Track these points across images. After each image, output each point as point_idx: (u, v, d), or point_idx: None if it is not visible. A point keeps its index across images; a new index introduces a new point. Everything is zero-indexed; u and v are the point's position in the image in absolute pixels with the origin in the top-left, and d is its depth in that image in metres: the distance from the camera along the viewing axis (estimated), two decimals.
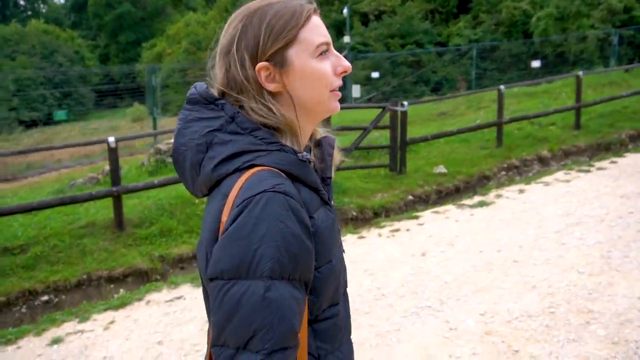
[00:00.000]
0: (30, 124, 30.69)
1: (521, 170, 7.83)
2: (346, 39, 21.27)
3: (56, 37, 36.51)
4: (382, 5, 27.47)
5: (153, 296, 4.24)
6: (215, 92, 0.94)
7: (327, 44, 0.93)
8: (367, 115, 9.87)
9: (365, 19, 27.81)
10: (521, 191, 6.15)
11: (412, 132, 10.43)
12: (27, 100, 31.57)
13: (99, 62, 46.34)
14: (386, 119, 7.39)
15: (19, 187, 10.47)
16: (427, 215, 5.68)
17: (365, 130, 7.14)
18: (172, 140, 9.13)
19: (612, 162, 7.03)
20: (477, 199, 6.06)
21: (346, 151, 7.30)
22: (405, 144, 7.38)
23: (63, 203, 5.46)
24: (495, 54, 24.16)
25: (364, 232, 5.28)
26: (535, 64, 18.53)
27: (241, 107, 0.91)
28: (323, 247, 0.89)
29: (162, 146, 9.06)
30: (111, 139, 5.50)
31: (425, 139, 7.84)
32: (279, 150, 0.88)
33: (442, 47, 25.54)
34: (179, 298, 4.15)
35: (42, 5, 57.45)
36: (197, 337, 3.46)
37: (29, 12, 55.25)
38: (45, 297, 4.82)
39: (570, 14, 21.78)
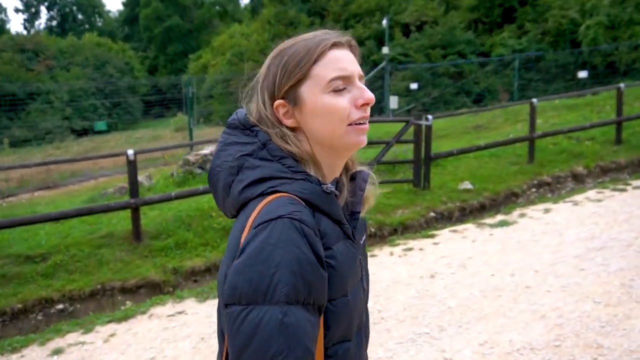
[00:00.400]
0: (82, 133, 32.11)
1: (553, 188, 7.48)
2: (385, 50, 21.14)
3: (108, 49, 38.12)
4: (425, 15, 27.19)
5: (157, 310, 4.27)
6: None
7: (342, 77, 0.93)
8: (398, 128, 9.72)
9: (406, 30, 27.60)
10: (547, 210, 5.86)
11: (445, 145, 10.22)
12: (79, 110, 33.07)
13: (148, 73, 48.05)
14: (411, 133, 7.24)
15: (58, 194, 10.92)
16: (444, 234, 5.49)
17: (388, 145, 7.01)
18: (201, 152, 9.29)
19: None
20: (499, 217, 5.82)
21: (369, 165, 7.18)
22: (429, 159, 7.19)
23: (80, 214, 5.61)
24: (540, 65, 23.41)
25: (376, 251, 5.16)
26: (582, 74, 17.79)
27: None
28: (340, 280, 0.90)
29: (191, 157, 9.22)
30: (130, 152, 5.61)
31: (450, 154, 7.62)
32: (304, 179, 0.91)
33: (484, 57, 24.98)
34: (180, 313, 4.16)
35: (98, 19, 60.27)
36: (189, 355, 3.45)
37: (86, 26, 58.07)
38: (61, 306, 4.95)
39: (621, 22, 20.92)
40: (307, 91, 0.93)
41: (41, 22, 57.34)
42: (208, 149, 9.36)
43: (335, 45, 0.95)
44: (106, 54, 36.95)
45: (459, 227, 5.67)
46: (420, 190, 7.22)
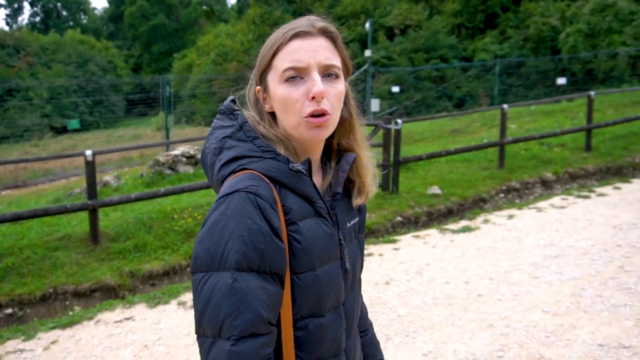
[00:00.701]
0: (61, 131, 31.62)
1: (522, 194, 7.49)
2: (367, 52, 21.13)
3: (91, 47, 37.66)
4: (409, 19, 27.28)
5: (105, 315, 4.16)
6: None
7: (294, 68, 0.95)
8: (369, 131, 9.67)
9: (390, 33, 27.66)
10: (510, 217, 5.85)
11: (419, 149, 10.20)
12: (59, 108, 32.58)
13: (132, 72, 47.57)
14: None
15: (26, 193, 10.69)
16: (406, 239, 5.45)
17: None
18: (172, 152, 9.15)
19: (616, 187, 6.65)
20: (462, 223, 5.80)
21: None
22: (398, 163, 7.16)
23: (35, 215, 5.46)
24: (521, 70, 23.60)
25: None
26: (561, 81, 17.92)
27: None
28: (306, 254, 0.94)
29: (161, 158, 9.09)
30: (88, 152, 5.49)
31: (419, 159, 7.59)
32: (272, 158, 0.96)
33: (467, 62, 25.12)
34: (128, 319, 4.05)
35: (83, 16, 59.52)
36: None
37: (70, 23, 57.33)
38: (9, 310, 4.80)
39: (601, 31, 21.14)
40: (271, 80, 0.98)
41: (24, 17, 56.18)
42: (179, 150, 9.23)
43: (297, 35, 0.96)
44: (89, 51, 36.57)
45: (422, 233, 5.63)
46: (389, 195, 7.18)
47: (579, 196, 6.38)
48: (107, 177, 8.67)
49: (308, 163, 0.98)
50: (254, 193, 0.90)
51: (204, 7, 49.88)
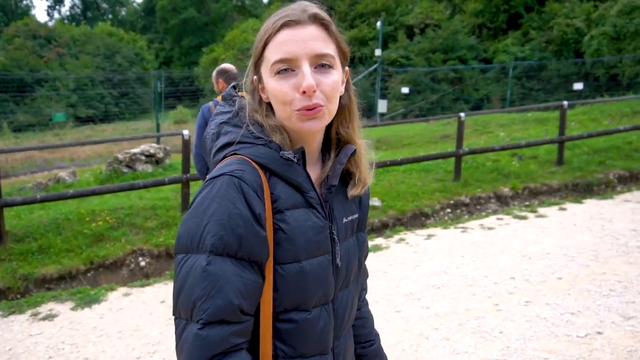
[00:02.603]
0: (86, 120, 32.44)
1: (472, 209, 7.02)
2: (377, 52, 20.66)
3: (120, 39, 38.43)
4: (429, 18, 26.55)
5: None
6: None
7: (284, 60, 0.91)
8: None
9: (411, 32, 27.00)
10: (429, 236, 5.44)
11: (398, 153, 9.77)
12: (84, 98, 33.40)
13: (163, 65, 48.36)
14: None
15: None
16: None
17: None
18: (131, 151, 9.07)
19: (561, 209, 6.10)
20: (377, 241, 5.43)
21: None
22: None
23: None
24: (542, 74, 22.58)
25: None
26: (578, 86, 17.01)
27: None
28: (290, 244, 0.91)
29: (120, 155, 9.03)
30: None
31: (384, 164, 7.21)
32: (263, 145, 0.94)
33: (486, 63, 24.24)
34: None
35: (121, 9, 60.97)
36: None
37: (109, 15, 58.86)
38: None
39: (627, 34, 19.96)
40: (264, 72, 0.96)
41: (65, 9, 58.02)
42: (139, 148, 9.16)
43: (286, 25, 0.92)
44: (117, 44, 37.28)
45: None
46: None
47: (516, 216, 5.90)
48: (62, 174, 8.68)
49: (301, 152, 0.96)
50: (239, 177, 0.88)
51: (235, 1, 50.11)
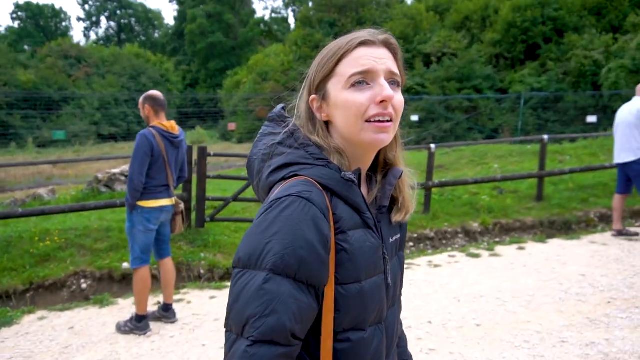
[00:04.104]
0: (108, 138, 33.27)
1: (437, 243, 6.76)
2: None
3: (147, 60, 39.53)
4: (447, 47, 26.45)
5: None
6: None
7: (361, 73, 0.96)
8: None
9: (428, 60, 26.92)
10: None
11: None
12: (108, 117, 34.31)
13: (189, 87, 49.48)
14: None
15: None
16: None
17: (248, 182, 6.58)
18: (112, 170, 9.14)
19: (520, 248, 5.80)
20: None
21: (225, 202, 6.80)
22: None
23: None
24: (559, 105, 22.08)
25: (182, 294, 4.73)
26: (592, 119, 16.52)
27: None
28: (352, 265, 0.93)
29: (100, 175, 9.12)
30: None
31: None
32: (324, 165, 0.96)
33: (502, 93, 23.88)
34: None
35: (155, 31, 62.96)
36: None
37: (142, 37, 60.84)
38: None
39: None
40: (333, 87, 0.99)
41: (101, 30, 60.25)
42: (119, 168, 9.24)
43: (363, 43, 0.98)
44: (143, 65, 38.34)
45: None
46: None
47: (470, 254, 5.63)
48: (41, 191, 8.81)
49: (359, 173, 0.99)
50: (307, 199, 0.89)
51: (262, 27, 51.11)
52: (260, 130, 1.07)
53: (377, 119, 0.95)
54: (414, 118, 21.14)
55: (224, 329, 0.88)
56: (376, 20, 31.46)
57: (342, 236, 0.92)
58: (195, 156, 6.61)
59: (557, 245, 5.86)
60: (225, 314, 0.88)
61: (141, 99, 3.86)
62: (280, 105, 1.09)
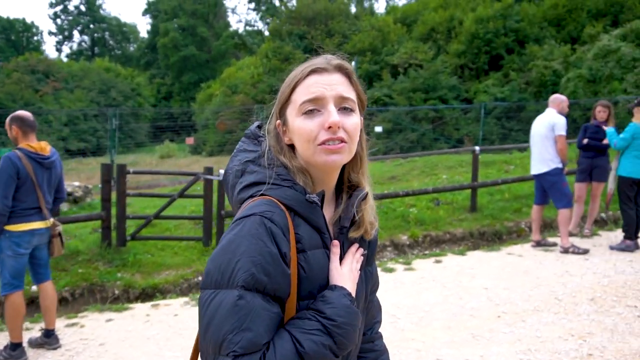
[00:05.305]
0: (76, 154, 32.77)
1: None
2: None
3: (116, 74, 39.18)
4: (414, 58, 26.69)
5: None
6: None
7: (311, 100, 1.01)
8: None
9: (395, 71, 27.12)
10: None
11: None
12: (77, 132, 33.85)
13: (163, 100, 49.12)
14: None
15: None
16: (145, 306, 4.87)
17: (171, 199, 6.48)
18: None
19: (437, 261, 5.77)
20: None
21: (147, 220, 6.68)
22: (221, 217, 6.60)
23: None
24: (522, 115, 22.38)
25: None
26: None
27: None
28: (309, 283, 0.98)
29: None
30: None
31: None
32: (289, 187, 1.01)
33: (468, 103, 24.16)
34: None
35: (129, 45, 62.55)
36: None
37: (117, 51, 60.39)
38: None
39: (602, 77, 19.81)
40: (289, 114, 1.05)
41: (74, 45, 59.70)
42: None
43: (314, 71, 1.03)
44: (113, 79, 38.00)
45: (164, 302, 5.03)
46: (212, 250, 6.61)
47: (385, 269, 5.58)
48: None
49: (322, 195, 1.03)
50: (269, 218, 0.94)
51: (236, 39, 51.06)
52: (237, 146, 1.12)
53: (328, 143, 0.99)
54: (378, 129, 21.22)
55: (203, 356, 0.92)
56: (345, 32, 31.72)
57: (302, 255, 0.97)
58: (114, 174, 6.49)
59: (475, 257, 5.85)
60: (200, 335, 0.92)
61: (8, 120, 3.76)
62: (256, 123, 1.14)
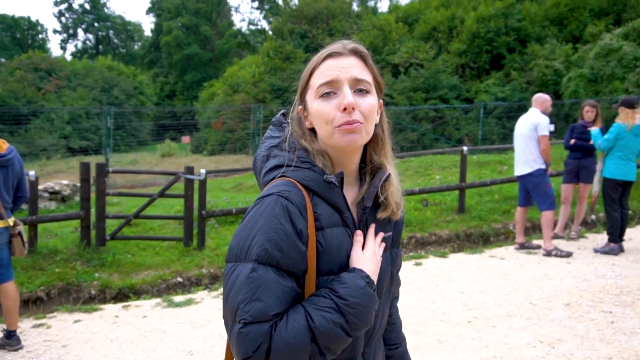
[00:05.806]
0: (78, 152, 32.87)
1: None
2: None
3: (119, 73, 39.25)
4: (415, 58, 26.54)
5: None
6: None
7: (327, 83, 1.06)
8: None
9: (396, 71, 26.98)
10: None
11: None
12: (79, 130, 33.93)
13: (166, 98, 49.18)
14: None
15: None
16: (117, 308, 4.81)
17: (151, 198, 6.42)
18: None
19: (417, 264, 5.67)
20: (187, 296, 5.08)
21: (126, 219, 6.61)
22: (202, 217, 6.53)
23: None
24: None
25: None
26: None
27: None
28: (327, 258, 1.03)
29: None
30: None
31: (229, 213, 6.91)
32: (308, 168, 1.07)
33: (468, 103, 23.99)
34: None
35: (134, 43, 62.69)
36: None
37: (121, 49, 60.54)
38: None
39: (603, 76, 19.59)
40: (309, 99, 1.10)
41: (78, 43, 59.89)
42: (42, 185, 9.01)
43: (330, 55, 1.08)
44: (115, 77, 38.05)
45: (136, 303, 4.96)
46: (193, 250, 6.56)
47: None
48: None
49: (341, 176, 1.07)
50: (285, 197, 1.00)
51: (239, 38, 51.01)
52: (265, 134, 1.19)
53: (345, 124, 1.03)
54: None
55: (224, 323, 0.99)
56: (346, 31, 31.55)
57: (320, 232, 1.02)
58: (93, 173, 6.44)
59: (455, 260, 5.75)
60: (222, 306, 0.99)
61: None
62: (282, 111, 1.21)
